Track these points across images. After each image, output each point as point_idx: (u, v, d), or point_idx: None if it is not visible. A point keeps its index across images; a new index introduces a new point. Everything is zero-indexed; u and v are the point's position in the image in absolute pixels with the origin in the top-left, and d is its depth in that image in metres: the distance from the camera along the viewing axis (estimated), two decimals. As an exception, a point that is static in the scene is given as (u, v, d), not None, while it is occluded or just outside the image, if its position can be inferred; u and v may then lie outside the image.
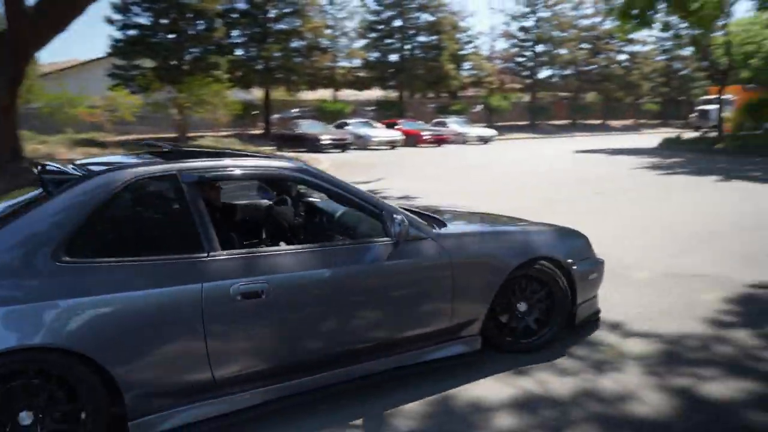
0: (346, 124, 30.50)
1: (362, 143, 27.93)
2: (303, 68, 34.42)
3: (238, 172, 3.64)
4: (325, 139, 26.03)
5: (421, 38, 42.30)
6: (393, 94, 43.23)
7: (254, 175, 4.17)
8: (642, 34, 43.58)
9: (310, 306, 3.40)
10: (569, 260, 4.30)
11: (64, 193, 2.99)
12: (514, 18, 47.48)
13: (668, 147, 25.31)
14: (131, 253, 3.03)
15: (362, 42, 42.43)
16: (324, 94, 40.95)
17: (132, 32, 28.32)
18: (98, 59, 32.83)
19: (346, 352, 3.54)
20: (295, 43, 34.86)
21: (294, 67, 33.79)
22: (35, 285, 2.80)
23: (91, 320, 2.81)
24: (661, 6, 25.49)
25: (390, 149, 27.83)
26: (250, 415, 3.24)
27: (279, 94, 36.96)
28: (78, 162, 3.65)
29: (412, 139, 29.60)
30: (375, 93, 43.62)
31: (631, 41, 47.23)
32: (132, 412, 2.93)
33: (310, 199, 4.89)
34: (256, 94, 36.49)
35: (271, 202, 5.04)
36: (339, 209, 4.32)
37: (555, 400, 3.51)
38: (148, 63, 27.90)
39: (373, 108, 40.86)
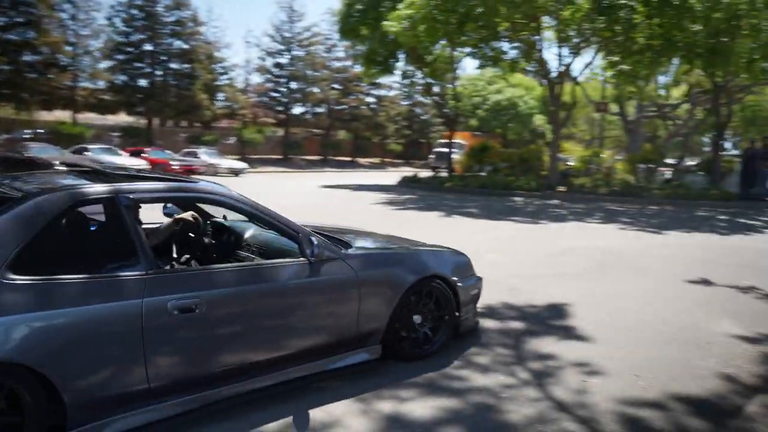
0: (86, 150, 28.31)
1: (103, 171, 26.07)
2: (36, 85, 31.40)
3: (167, 194, 3.93)
4: (60, 165, 23.82)
5: (174, 65, 41.12)
6: (142, 121, 41.18)
7: (181, 198, 4.38)
8: (387, 79, 47.12)
9: (238, 319, 3.72)
10: (455, 278, 4.94)
11: (9, 212, 3.08)
12: (270, 54, 48.33)
13: (406, 185, 27.36)
14: (75, 271, 3.15)
15: (108, 63, 39.92)
16: (63, 115, 37.62)
17: None
18: None
19: (269, 360, 3.88)
20: (28, 57, 31.73)
21: (25, 84, 30.64)
22: None
23: (37, 335, 2.92)
24: (401, 56, 27.93)
25: (135, 178, 26.30)
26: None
27: (7, 112, 33.15)
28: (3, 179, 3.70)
29: (159, 169, 28.39)
30: (122, 118, 41.17)
31: (378, 85, 50.80)
32: (71, 421, 3.05)
33: (217, 219, 5.19)
34: (-23, 110, 32.36)
35: (175, 216, 5.01)
36: (249, 229, 4.86)
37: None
38: None
39: (119, 134, 38.44)
